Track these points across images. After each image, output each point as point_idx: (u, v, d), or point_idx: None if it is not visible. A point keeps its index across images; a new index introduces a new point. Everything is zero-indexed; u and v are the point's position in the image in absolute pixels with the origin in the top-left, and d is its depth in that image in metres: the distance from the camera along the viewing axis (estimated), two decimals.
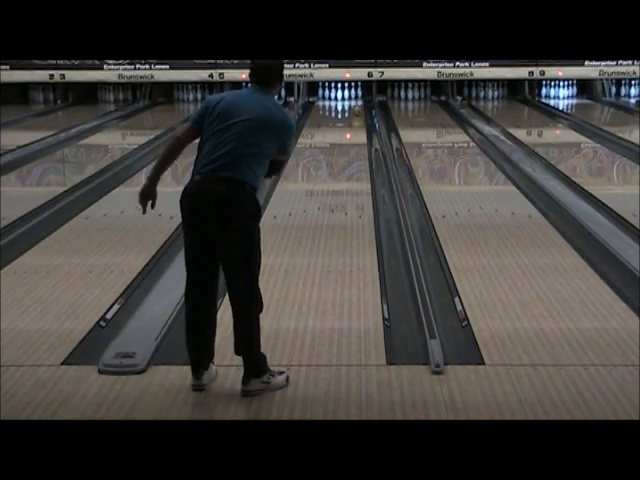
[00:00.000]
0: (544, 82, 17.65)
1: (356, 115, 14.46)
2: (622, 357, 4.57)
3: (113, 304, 5.45)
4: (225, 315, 5.21)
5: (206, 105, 4.14)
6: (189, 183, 4.07)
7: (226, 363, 4.44)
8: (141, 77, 17.11)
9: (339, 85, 17.68)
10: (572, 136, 13.36)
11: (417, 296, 5.43)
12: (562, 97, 17.68)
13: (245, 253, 4.02)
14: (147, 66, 16.95)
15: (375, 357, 4.59)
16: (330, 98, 17.72)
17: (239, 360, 4.42)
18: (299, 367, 4.46)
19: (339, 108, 17.16)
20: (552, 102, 17.18)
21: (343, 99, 17.64)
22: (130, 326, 5.02)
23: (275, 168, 4.28)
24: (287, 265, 6.24)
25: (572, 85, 17.72)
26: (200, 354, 4.18)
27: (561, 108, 16.56)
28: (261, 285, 5.77)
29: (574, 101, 17.46)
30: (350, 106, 16.93)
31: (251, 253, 4.04)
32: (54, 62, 16.71)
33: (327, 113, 16.90)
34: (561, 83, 17.68)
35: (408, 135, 13.01)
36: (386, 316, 5.19)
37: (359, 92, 17.87)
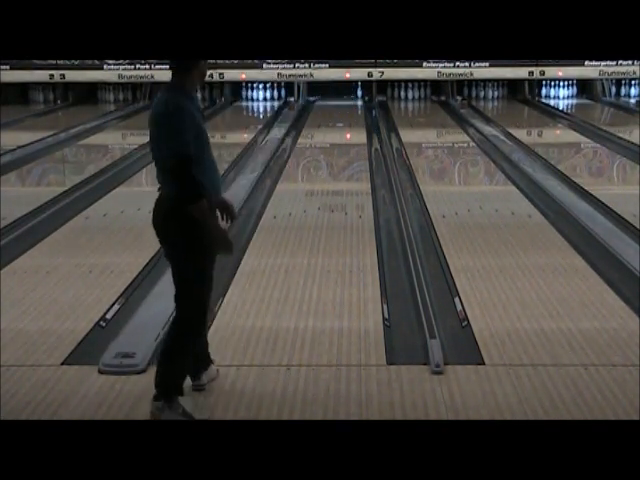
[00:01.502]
0: (544, 82, 17.65)
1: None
2: (622, 357, 4.57)
3: (113, 304, 5.46)
4: (225, 314, 5.22)
5: None
6: None
7: (226, 363, 4.45)
8: (141, 77, 17.10)
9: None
10: (572, 136, 13.36)
11: (417, 296, 5.43)
12: (562, 97, 17.67)
13: (175, 266, 3.93)
14: (147, 66, 16.94)
15: (375, 357, 4.59)
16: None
17: (239, 360, 4.43)
18: (299, 367, 4.46)
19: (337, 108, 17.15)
20: (552, 102, 17.17)
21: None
22: (130, 326, 5.02)
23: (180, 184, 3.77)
24: (287, 265, 6.24)
25: (572, 85, 17.72)
26: (195, 360, 4.15)
27: (561, 108, 16.56)
28: (261, 285, 5.80)
29: (574, 101, 17.46)
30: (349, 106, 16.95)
31: (179, 267, 3.91)
32: (54, 62, 16.71)
33: (327, 113, 16.89)
34: (561, 83, 17.68)
35: (408, 135, 13.01)
36: (386, 316, 5.19)
37: (359, 92, 17.87)
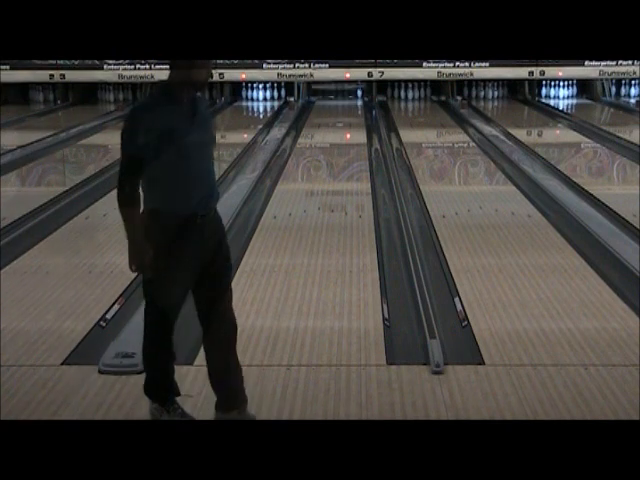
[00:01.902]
0: (544, 82, 17.63)
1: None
2: (622, 357, 4.57)
3: (113, 304, 5.45)
4: None
5: None
6: None
7: None
8: (141, 77, 17.10)
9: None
10: (572, 136, 13.36)
11: (417, 296, 5.43)
12: (562, 97, 17.67)
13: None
14: (147, 66, 16.94)
15: (375, 357, 4.59)
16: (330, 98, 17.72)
17: (239, 360, 4.41)
18: (299, 367, 4.46)
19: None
20: (552, 102, 17.17)
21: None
22: (130, 326, 5.01)
23: None
24: (287, 265, 6.24)
25: (572, 85, 17.71)
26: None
27: (561, 108, 16.55)
28: (261, 285, 5.80)
29: (574, 101, 17.45)
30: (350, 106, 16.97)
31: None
32: (54, 62, 16.71)
33: (327, 113, 16.90)
34: (561, 83, 17.67)
35: (408, 135, 13.01)
36: (386, 316, 5.19)
37: (359, 92, 17.87)
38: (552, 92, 17.70)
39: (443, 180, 10.21)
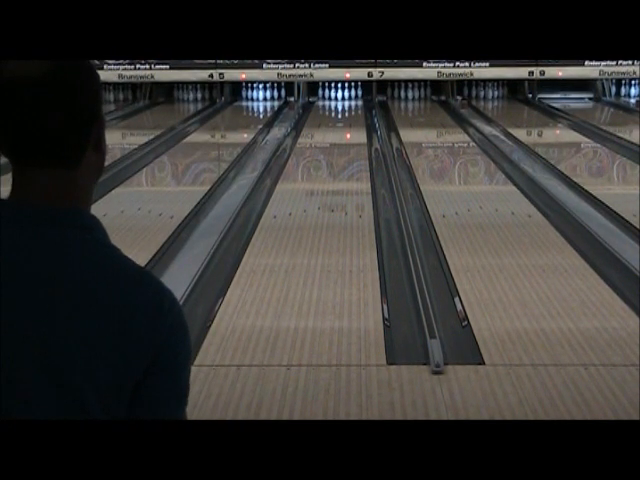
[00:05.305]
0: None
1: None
2: (622, 357, 4.57)
3: None
4: (225, 314, 5.22)
5: None
6: None
7: (226, 363, 4.44)
8: (141, 77, 17.11)
9: (339, 85, 17.68)
10: (572, 136, 13.36)
11: (417, 296, 5.43)
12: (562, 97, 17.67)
13: None
14: (147, 66, 16.95)
15: (375, 357, 4.59)
16: (330, 98, 17.72)
17: (239, 360, 4.43)
18: (299, 367, 4.46)
19: (339, 108, 17.17)
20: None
21: (343, 99, 17.64)
22: None
23: None
24: (287, 265, 6.24)
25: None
26: None
27: (561, 108, 16.56)
28: (261, 285, 5.80)
29: (574, 101, 17.45)
30: (350, 106, 16.99)
31: None
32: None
33: (327, 113, 16.90)
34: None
35: (408, 135, 13.01)
36: (386, 316, 5.19)
37: (359, 92, 17.87)
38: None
39: (443, 180, 10.21)
